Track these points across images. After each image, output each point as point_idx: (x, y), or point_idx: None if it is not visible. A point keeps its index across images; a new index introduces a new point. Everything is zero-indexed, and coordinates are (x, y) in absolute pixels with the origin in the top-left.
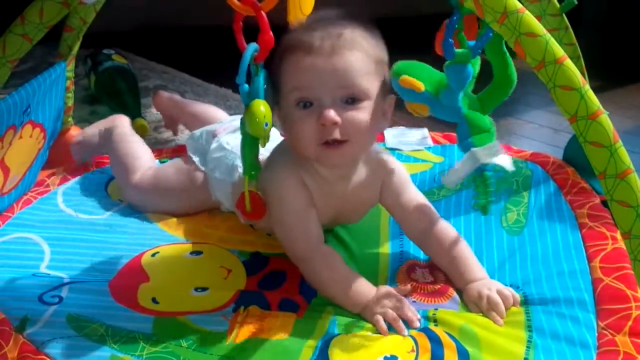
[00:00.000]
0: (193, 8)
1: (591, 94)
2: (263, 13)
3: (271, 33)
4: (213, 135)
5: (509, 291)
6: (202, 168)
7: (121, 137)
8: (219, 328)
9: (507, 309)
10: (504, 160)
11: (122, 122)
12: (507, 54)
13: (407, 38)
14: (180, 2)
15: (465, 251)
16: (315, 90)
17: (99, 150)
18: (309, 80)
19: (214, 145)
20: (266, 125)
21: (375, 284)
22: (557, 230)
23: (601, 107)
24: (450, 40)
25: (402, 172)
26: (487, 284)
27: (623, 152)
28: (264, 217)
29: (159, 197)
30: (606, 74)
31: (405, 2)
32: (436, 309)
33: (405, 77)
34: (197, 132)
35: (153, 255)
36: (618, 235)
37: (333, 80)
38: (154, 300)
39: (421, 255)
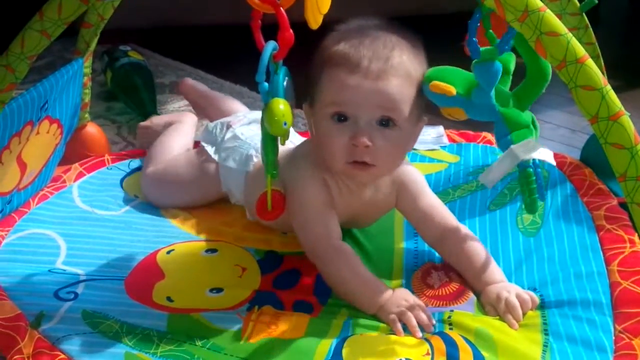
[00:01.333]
0: (209, 6)
1: (612, 94)
2: (282, 10)
3: (291, 30)
4: (227, 126)
5: (527, 295)
6: (215, 158)
7: (170, 131)
8: (233, 326)
9: (524, 313)
10: (546, 155)
11: (185, 119)
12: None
13: (431, 37)
14: (197, 0)
15: (483, 254)
16: (354, 108)
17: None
18: (350, 98)
19: (228, 135)
20: (285, 124)
21: (390, 282)
22: (574, 232)
23: (622, 108)
24: (474, 39)
25: (419, 177)
26: (506, 287)
27: None
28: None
29: (168, 188)
30: (624, 73)
31: (429, 1)
32: (452, 311)
33: (435, 82)
34: (212, 124)
35: (168, 252)
36: (636, 238)
37: (374, 102)
38: (168, 298)
39: (436, 255)
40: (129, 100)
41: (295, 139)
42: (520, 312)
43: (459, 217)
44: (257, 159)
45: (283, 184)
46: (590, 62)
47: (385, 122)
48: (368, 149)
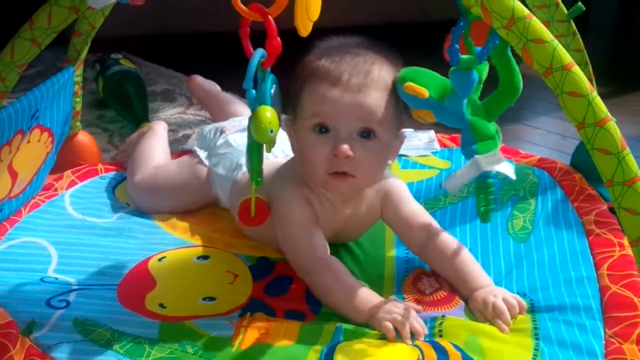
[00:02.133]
0: (200, 14)
1: (599, 100)
2: (270, 18)
3: (279, 39)
4: (221, 131)
5: (514, 299)
6: (206, 163)
7: (145, 140)
8: (224, 333)
9: (513, 317)
10: (506, 168)
11: (155, 127)
12: (514, 61)
13: (416, 44)
14: (188, 8)
15: (468, 260)
16: (335, 120)
17: None
18: (330, 110)
19: (220, 141)
20: (271, 132)
21: (381, 294)
22: (564, 237)
23: (609, 114)
24: (456, 46)
25: (401, 186)
26: (492, 291)
27: (631, 159)
28: (262, 227)
29: (159, 193)
30: (614, 80)
31: (414, 8)
32: (443, 317)
33: (409, 84)
34: (207, 128)
35: (160, 259)
36: (625, 242)
37: (355, 114)
38: (161, 305)
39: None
40: (121, 109)
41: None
42: (508, 316)
43: (449, 224)
44: (245, 168)
45: (268, 198)
46: (576, 68)
47: (366, 134)
48: (348, 160)
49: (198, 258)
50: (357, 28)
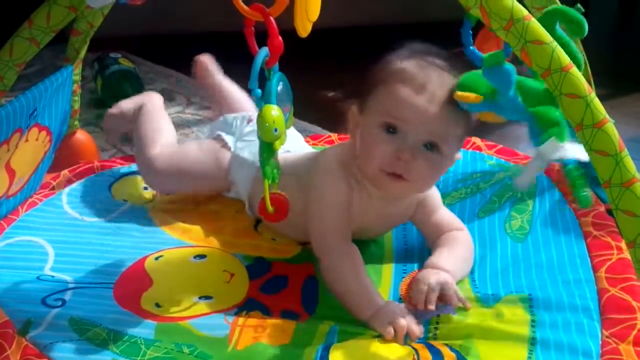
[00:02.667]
0: (201, 13)
1: (597, 102)
2: (272, 18)
3: (280, 38)
4: (248, 120)
5: (453, 292)
6: (231, 146)
7: (149, 112)
8: (220, 333)
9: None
10: (574, 152)
11: (153, 98)
12: (564, 34)
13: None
14: (187, 8)
15: (453, 244)
16: (408, 125)
17: (128, 126)
18: (407, 115)
19: (247, 129)
20: (276, 130)
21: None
22: (561, 238)
23: (607, 115)
24: (471, 47)
25: (436, 193)
26: (436, 272)
27: (629, 161)
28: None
29: (175, 174)
30: (613, 82)
31: (414, 9)
32: (438, 316)
33: (459, 93)
34: (231, 116)
35: (157, 258)
36: (623, 245)
37: (428, 126)
38: (157, 305)
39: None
40: None
41: (298, 144)
42: (423, 298)
43: None
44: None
45: (304, 181)
46: (574, 70)
47: (430, 146)
48: (408, 165)
49: (195, 257)
50: (357, 28)
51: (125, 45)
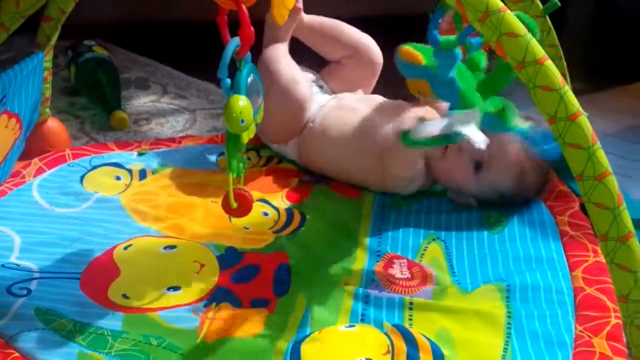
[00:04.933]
0: (177, 2)
1: (571, 95)
2: (244, 7)
3: (252, 28)
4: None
5: None
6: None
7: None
8: (189, 325)
9: None
10: (476, 135)
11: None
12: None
13: (405, 38)
14: None
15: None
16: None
17: None
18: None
19: (333, 102)
20: (242, 121)
21: (350, 276)
22: (537, 235)
23: (580, 108)
24: (434, 32)
25: None
26: None
27: (601, 154)
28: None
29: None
30: (590, 76)
31: (405, 2)
32: (411, 303)
33: (405, 47)
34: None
35: (126, 248)
36: (599, 248)
37: None
38: (124, 296)
39: (399, 246)
40: (93, 96)
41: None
42: None
43: (425, 214)
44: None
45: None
46: (549, 63)
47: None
48: None
49: (165, 248)
50: (349, 20)
51: (100, 33)
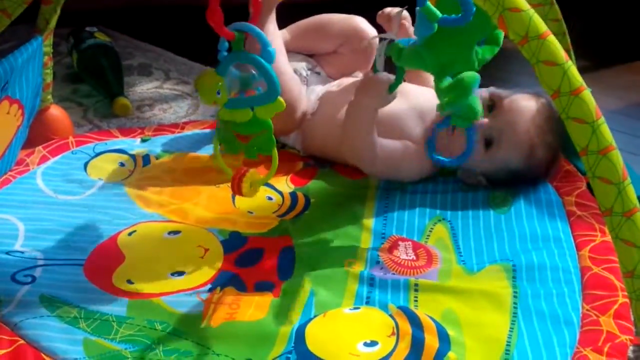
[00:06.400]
0: None
1: (574, 69)
2: None
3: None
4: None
5: None
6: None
7: None
8: (194, 310)
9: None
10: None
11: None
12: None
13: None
14: None
15: None
16: None
17: None
18: None
19: (333, 89)
20: (218, 93)
21: (355, 259)
22: (544, 214)
23: (584, 83)
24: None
25: None
26: None
27: (605, 129)
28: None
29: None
30: (596, 54)
31: None
32: (417, 285)
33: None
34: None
35: (130, 234)
36: (606, 228)
37: None
38: (129, 281)
39: (404, 229)
40: (95, 83)
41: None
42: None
43: (430, 195)
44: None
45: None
46: (552, 37)
47: None
48: None
49: (169, 233)
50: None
51: (102, 20)
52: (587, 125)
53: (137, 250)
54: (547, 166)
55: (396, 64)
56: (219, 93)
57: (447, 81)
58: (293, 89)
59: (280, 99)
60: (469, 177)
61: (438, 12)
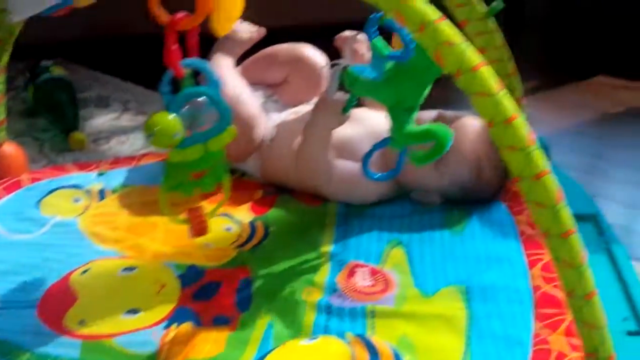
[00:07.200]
0: (136, 16)
1: (507, 99)
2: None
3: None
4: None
5: None
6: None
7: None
8: (147, 349)
9: None
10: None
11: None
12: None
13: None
14: (123, 10)
15: None
16: None
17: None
18: None
19: (291, 117)
20: (150, 136)
21: (313, 287)
22: (497, 233)
23: (517, 111)
24: (371, 30)
25: None
26: None
27: (538, 154)
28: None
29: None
30: (547, 73)
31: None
32: (373, 310)
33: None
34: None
35: (84, 272)
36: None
37: None
38: (82, 322)
39: (361, 254)
40: (51, 117)
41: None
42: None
43: (388, 219)
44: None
45: None
46: (485, 69)
47: None
48: None
49: (124, 270)
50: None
51: (61, 51)
52: (521, 152)
53: (90, 289)
54: (496, 184)
55: (350, 91)
56: (150, 136)
57: (414, 129)
58: (249, 108)
59: (232, 127)
60: (424, 197)
61: (385, 48)
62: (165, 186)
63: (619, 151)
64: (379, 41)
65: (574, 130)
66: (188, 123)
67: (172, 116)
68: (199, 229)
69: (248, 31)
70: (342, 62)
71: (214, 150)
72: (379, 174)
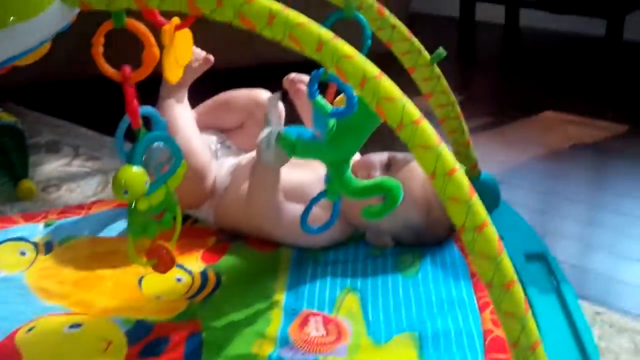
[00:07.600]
0: (88, 59)
1: (447, 152)
2: (130, 85)
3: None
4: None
5: None
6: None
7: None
8: None
9: None
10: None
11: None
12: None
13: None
14: (74, 53)
15: None
16: None
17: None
18: None
19: (244, 162)
20: (126, 192)
21: (264, 339)
22: (450, 277)
23: (457, 164)
24: (313, 88)
25: None
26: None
27: (479, 207)
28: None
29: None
30: (499, 110)
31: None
32: (326, 356)
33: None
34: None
35: (29, 330)
36: None
37: None
38: None
39: (315, 304)
40: None
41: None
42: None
43: (342, 262)
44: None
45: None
46: (425, 123)
47: None
48: None
49: (70, 327)
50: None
51: (11, 95)
52: (463, 204)
53: (35, 348)
54: (447, 224)
55: (289, 157)
56: (126, 192)
57: (365, 183)
58: (200, 153)
59: (184, 162)
60: (377, 238)
61: (328, 106)
62: (132, 234)
63: (569, 187)
64: (321, 99)
65: (524, 166)
66: (151, 169)
67: (136, 168)
68: (166, 261)
69: (197, 59)
70: (271, 128)
71: (172, 188)
72: (317, 227)
